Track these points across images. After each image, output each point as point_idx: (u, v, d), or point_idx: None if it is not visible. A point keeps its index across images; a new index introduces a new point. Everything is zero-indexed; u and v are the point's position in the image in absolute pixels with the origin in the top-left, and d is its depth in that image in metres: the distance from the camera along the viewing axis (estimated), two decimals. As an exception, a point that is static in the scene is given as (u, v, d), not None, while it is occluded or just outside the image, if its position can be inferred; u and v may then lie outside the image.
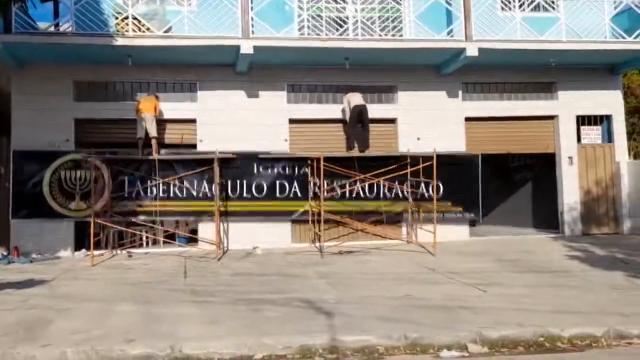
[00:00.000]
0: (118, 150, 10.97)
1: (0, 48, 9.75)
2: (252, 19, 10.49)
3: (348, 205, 11.24)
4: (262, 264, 9.39)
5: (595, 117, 12.66)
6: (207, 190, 10.97)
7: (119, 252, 10.87)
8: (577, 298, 6.57)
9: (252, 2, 10.62)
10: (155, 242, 11.43)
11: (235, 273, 8.64)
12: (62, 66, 10.87)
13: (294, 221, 11.42)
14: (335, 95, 11.80)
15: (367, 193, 11.43)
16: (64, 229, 10.75)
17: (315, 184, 11.01)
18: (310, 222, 11.22)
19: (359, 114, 11.12)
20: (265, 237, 11.00)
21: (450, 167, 11.14)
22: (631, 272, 8.00)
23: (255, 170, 11.23)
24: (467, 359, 4.92)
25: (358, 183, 11.21)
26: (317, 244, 10.80)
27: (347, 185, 11.24)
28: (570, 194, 12.40)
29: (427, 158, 10.41)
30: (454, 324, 5.47)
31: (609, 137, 12.74)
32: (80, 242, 10.83)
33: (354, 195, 11.32)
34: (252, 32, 10.46)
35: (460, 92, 12.14)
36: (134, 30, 10.33)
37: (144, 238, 11.25)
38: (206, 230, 11.07)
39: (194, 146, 11.34)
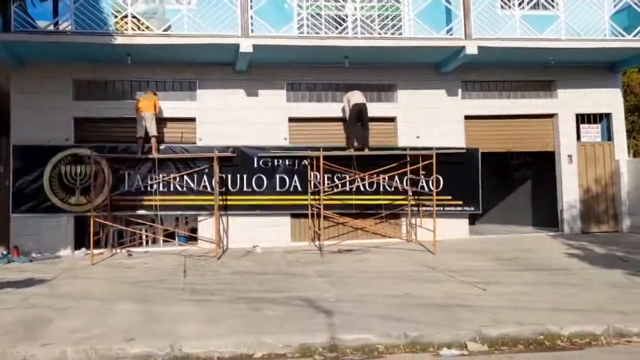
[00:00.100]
0: (118, 145, 10.95)
1: (-1, 47, 9.75)
2: (251, 17, 10.47)
3: (348, 199, 11.25)
4: (262, 263, 9.40)
5: (594, 115, 12.64)
6: (207, 184, 10.98)
7: (118, 251, 10.88)
8: (577, 296, 6.59)
9: (251, 1, 10.60)
10: (154, 241, 11.45)
11: (234, 272, 8.64)
12: (61, 65, 10.85)
13: (293, 216, 11.41)
14: (334, 93, 11.79)
15: (367, 187, 11.41)
16: (63, 227, 10.74)
17: (315, 177, 11.00)
18: (309, 217, 11.20)
19: (359, 112, 11.10)
20: (264, 236, 11.01)
21: (450, 162, 11.15)
22: (631, 270, 8.02)
23: (255, 165, 11.21)
24: (466, 357, 4.93)
25: (358, 179, 11.22)
26: (317, 243, 10.80)
27: (347, 184, 11.23)
28: (570, 192, 12.39)
29: (427, 155, 10.40)
30: (453, 322, 5.49)
31: (608, 135, 12.73)
32: (80, 241, 10.84)
33: (354, 189, 11.31)
34: (252, 30, 10.45)
35: (459, 91, 12.12)
36: (133, 29, 10.32)
37: (144, 237, 11.26)
38: (206, 229, 11.08)
39: (194, 144, 11.31)
